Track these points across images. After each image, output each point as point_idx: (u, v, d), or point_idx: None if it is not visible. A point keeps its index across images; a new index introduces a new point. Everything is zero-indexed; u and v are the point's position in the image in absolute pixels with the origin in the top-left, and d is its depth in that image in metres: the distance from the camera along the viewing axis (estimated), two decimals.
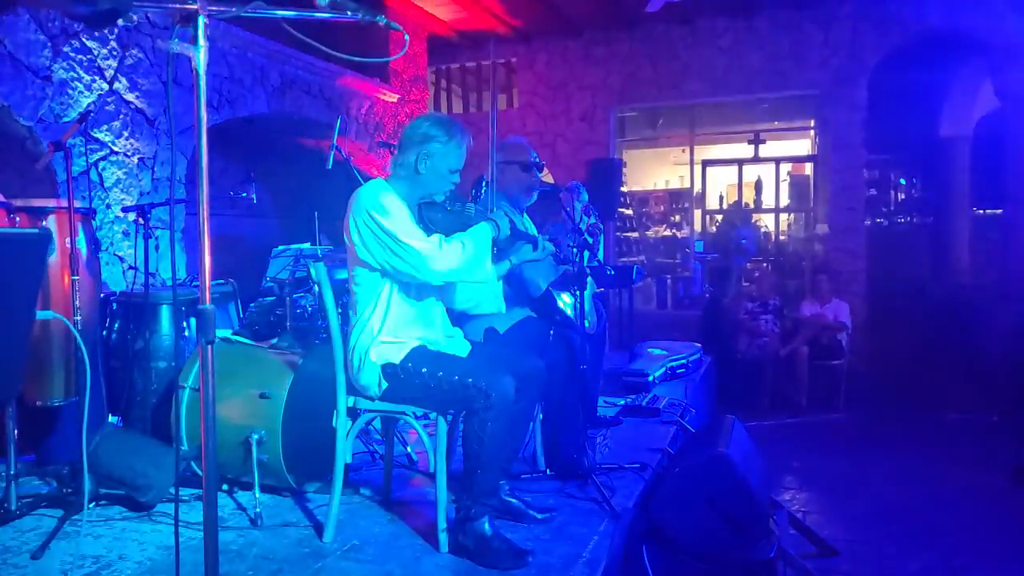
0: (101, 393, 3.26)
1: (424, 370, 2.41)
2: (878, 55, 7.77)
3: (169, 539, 2.66)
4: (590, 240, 3.06)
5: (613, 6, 7.94)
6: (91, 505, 2.92)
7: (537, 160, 3.38)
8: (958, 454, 5.70)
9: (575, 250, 3.12)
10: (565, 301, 3.38)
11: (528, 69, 9.19)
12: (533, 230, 3.24)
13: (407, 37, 1.72)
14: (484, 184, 3.42)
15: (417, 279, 2.43)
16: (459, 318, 2.87)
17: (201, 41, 1.25)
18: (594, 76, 8.82)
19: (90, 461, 2.92)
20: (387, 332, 2.48)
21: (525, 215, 3.36)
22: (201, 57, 1.27)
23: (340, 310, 2.64)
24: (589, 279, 3.25)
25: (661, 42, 8.51)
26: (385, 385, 2.48)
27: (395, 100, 7.61)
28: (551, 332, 3.10)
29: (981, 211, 9.82)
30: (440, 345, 2.56)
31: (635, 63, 8.63)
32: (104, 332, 3.44)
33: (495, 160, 2.84)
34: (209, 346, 1.27)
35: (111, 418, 3.37)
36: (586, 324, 3.23)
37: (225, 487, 3.07)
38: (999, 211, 9.54)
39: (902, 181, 10.94)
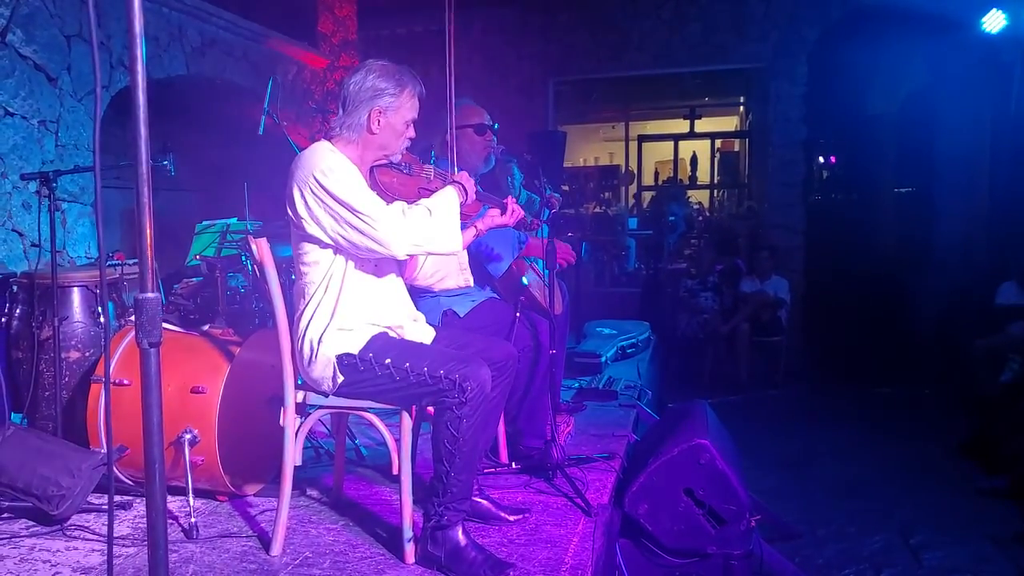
0: (0, 389, 2.85)
1: (388, 361, 2.12)
2: (817, 30, 7.74)
3: (88, 558, 2.31)
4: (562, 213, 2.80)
5: None
6: None
7: (491, 123, 3.08)
8: (895, 428, 5.77)
9: (544, 226, 2.87)
10: (524, 280, 3.12)
11: (462, 37, 8.78)
12: None
13: None
14: (433, 156, 3.11)
15: (378, 254, 2.13)
16: (416, 298, 2.59)
17: None
18: (532, 46, 8.49)
19: None
20: (342, 317, 2.18)
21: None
22: None
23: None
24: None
25: (600, 11, 8.25)
26: (341, 379, 2.18)
27: (324, 65, 7.13)
28: (517, 315, 2.85)
29: (900, 190, 10.09)
30: (404, 331, 2.28)
31: (574, 33, 8.34)
32: (3, 318, 3.01)
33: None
34: (152, 349, 0.96)
35: (13, 417, 2.96)
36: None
37: None
38: (911, 189, 9.83)
39: (820, 159, 11.14)
